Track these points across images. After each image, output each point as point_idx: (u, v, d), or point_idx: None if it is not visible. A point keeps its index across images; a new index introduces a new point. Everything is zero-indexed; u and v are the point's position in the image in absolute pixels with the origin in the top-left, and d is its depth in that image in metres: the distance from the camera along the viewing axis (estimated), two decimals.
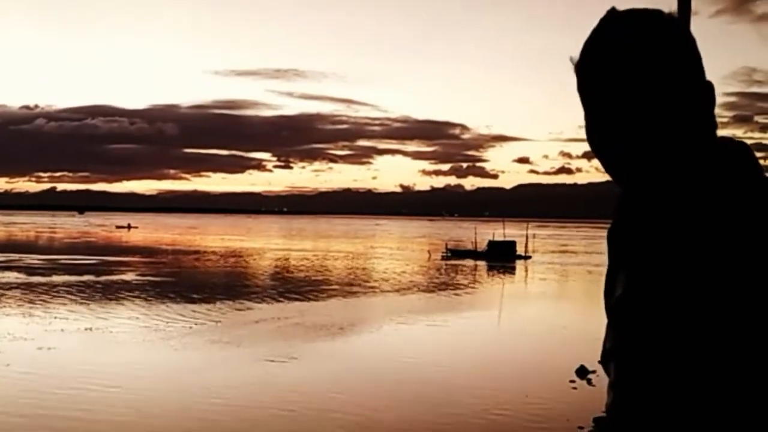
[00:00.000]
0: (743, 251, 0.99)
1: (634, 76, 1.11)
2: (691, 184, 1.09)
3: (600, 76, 1.15)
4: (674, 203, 1.09)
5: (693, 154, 1.10)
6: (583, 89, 1.18)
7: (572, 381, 14.87)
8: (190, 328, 20.82)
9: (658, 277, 1.06)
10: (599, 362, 1.20)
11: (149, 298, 27.50)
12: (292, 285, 33.65)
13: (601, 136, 1.16)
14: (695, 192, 1.08)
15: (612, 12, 1.17)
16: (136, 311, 24.02)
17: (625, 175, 1.16)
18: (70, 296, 27.48)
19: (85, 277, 34.67)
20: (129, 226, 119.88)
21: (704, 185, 1.08)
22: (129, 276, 36.66)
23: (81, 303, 25.72)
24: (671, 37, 1.14)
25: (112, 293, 28.90)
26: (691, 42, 1.16)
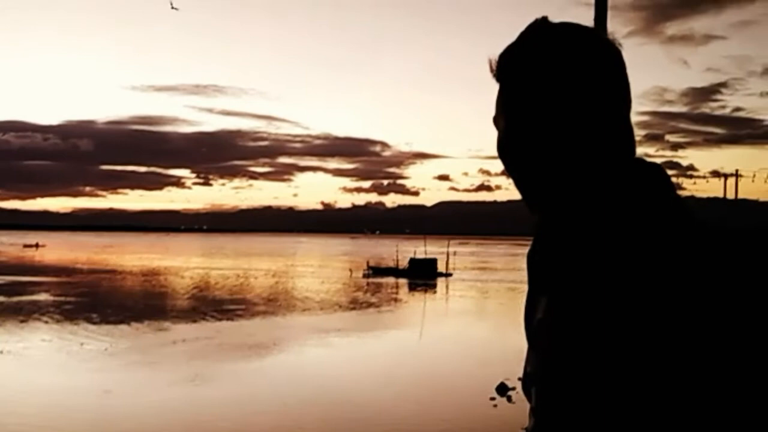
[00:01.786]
0: (660, 276, 0.96)
1: (559, 91, 1.07)
2: (608, 207, 1.05)
3: (523, 86, 1.11)
4: (591, 226, 1.05)
5: (610, 175, 1.07)
6: (504, 98, 1.14)
7: (492, 398, 14.94)
8: (105, 349, 20.27)
9: (577, 302, 1.03)
10: (522, 387, 1.18)
11: (62, 320, 26.67)
12: (211, 304, 33.14)
13: (517, 151, 1.12)
14: (612, 215, 1.04)
15: (543, 22, 1.13)
16: (48, 333, 23.26)
17: (541, 195, 1.12)
18: None
19: None
20: (37, 245, 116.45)
21: (621, 208, 1.04)
22: (41, 297, 35.51)
23: None
24: (602, 55, 1.10)
25: (23, 315, 27.89)
26: (621, 63, 1.12)
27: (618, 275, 0.99)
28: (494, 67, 1.15)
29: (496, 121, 1.17)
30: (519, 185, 1.15)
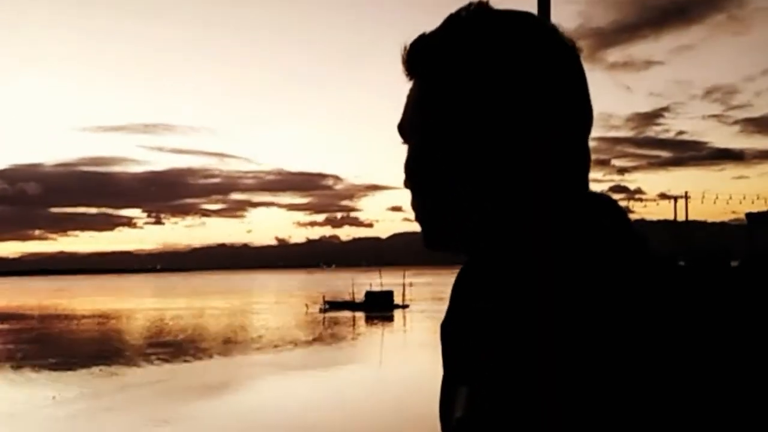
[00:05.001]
0: (634, 361, 0.70)
1: (506, 92, 0.81)
2: (561, 260, 0.79)
3: (454, 83, 0.82)
4: (538, 286, 0.79)
5: (562, 213, 0.81)
6: (421, 99, 0.85)
7: None
8: (54, 398, 19.63)
9: (514, 394, 0.77)
10: None
11: (8, 368, 25.84)
12: (165, 346, 32.44)
13: (435, 171, 0.83)
14: (567, 273, 0.78)
15: (481, 4, 0.85)
16: None
17: (462, 236, 0.83)
18: None
19: None
20: None
21: (583, 265, 0.78)
22: None
23: None
24: (563, 54, 0.84)
25: None
26: (582, 69, 0.86)
27: (578, 362, 0.73)
28: (409, 57, 0.87)
29: (405, 129, 0.87)
30: (430, 218, 0.85)
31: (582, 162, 0.84)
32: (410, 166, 0.85)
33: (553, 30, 0.84)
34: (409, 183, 0.86)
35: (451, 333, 0.95)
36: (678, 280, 0.75)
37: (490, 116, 0.80)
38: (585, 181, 0.84)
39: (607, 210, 0.83)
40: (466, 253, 0.88)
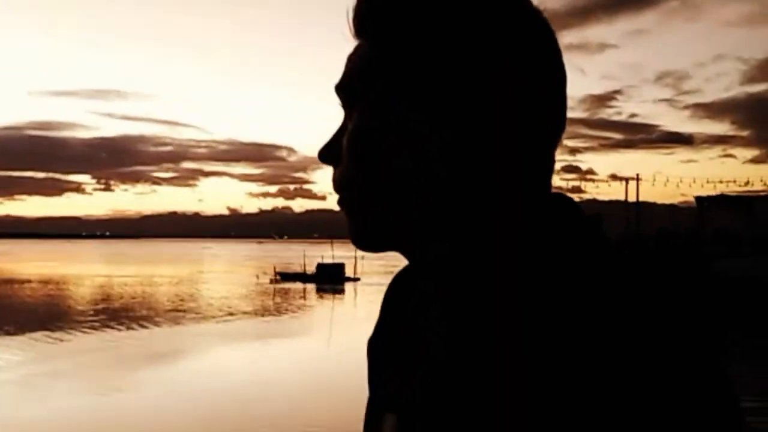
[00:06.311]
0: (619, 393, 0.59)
1: (475, 62, 0.68)
2: (522, 265, 0.68)
3: (409, 47, 0.70)
4: (494, 294, 0.68)
5: (524, 213, 0.70)
6: (366, 65, 0.73)
7: None
8: None
9: (458, 426, 0.66)
10: None
11: None
12: (113, 313, 32.15)
13: (379, 156, 0.71)
14: (529, 280, 0.66)
15: None
16: None
17: (408, 235, 0.72)
18: None
19: None
20: None
21: (539, 270, 0.67)
22: None
23: None
24: (540, 29, 0.72)
25: None
26: (559, 51, 0.74)
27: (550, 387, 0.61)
28: (357, 15, 0.75)
29: (347, 91, 0.76)
30: (372, 209, 0.73)
31: (549, 160, 0.74)
32: (354, 142, 0.73)
33: (531, 6, 0.73)
34: (349, 163, 0.74)
35: (381, 350, 0.82)
36: (625, 282, 0.65)
37: (455, 91, 0.68)
38: (549, 180, 0.74)
39: (570, 212, 0.72)
40: (407, 256, 0.76)
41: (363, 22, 0.74)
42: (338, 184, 0.75)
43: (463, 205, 0.69)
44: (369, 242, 0.75)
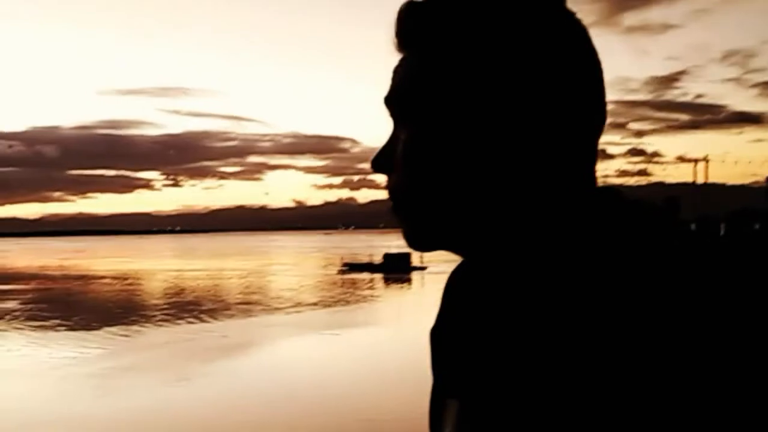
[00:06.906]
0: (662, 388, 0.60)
1: (516, 74, 0.71)
2: (565, 264, 0.70)
3: (456, 59, 0.73)
4: (539, 291, 0.71)
5: (569, 212, 0.72)
6: (417, 78, 0.76)
7: None
8: (75, 358, 19.84)
9: (510, 412, 0.69)
10: None
11: (31, 327, 26.13)
12: (185, 306, 32.69)
13: (433, 166, 0.74)
14: (573, 278, 0.69)
15: None
16: (17, 341, 22.73)
17: (461, 236, 0.76)
18: None
19: None
20: None
21: (583, 269, 0.69)
22: (9, 304, 34.82)
23: None
24: (578, 33, 0.75)
25: None
26: (596, 53, 0.76)
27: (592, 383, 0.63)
28: (401, 28, 0.78)
29: (397, 103, 0.79)
30: (425, 214, 0.76)
31: (592, 154, 0.76)
32: (408, 153, 0.77)
33: (565, 8, 0.76)
34: (404, 172, 0.77)
35: (442, 339, 0.86)
36: (685, 285, 0.63)
37: (502, 98, 0.71)
38: (593, 175, 0.76)
39: (616, 206, 0.73)
40: (461, 254, 0.81)
41: (408, 35, 0.77)
42: (394, 192, 0.79)
43: (514, 206, 0.72)
44: (426, 245, 0.79)
